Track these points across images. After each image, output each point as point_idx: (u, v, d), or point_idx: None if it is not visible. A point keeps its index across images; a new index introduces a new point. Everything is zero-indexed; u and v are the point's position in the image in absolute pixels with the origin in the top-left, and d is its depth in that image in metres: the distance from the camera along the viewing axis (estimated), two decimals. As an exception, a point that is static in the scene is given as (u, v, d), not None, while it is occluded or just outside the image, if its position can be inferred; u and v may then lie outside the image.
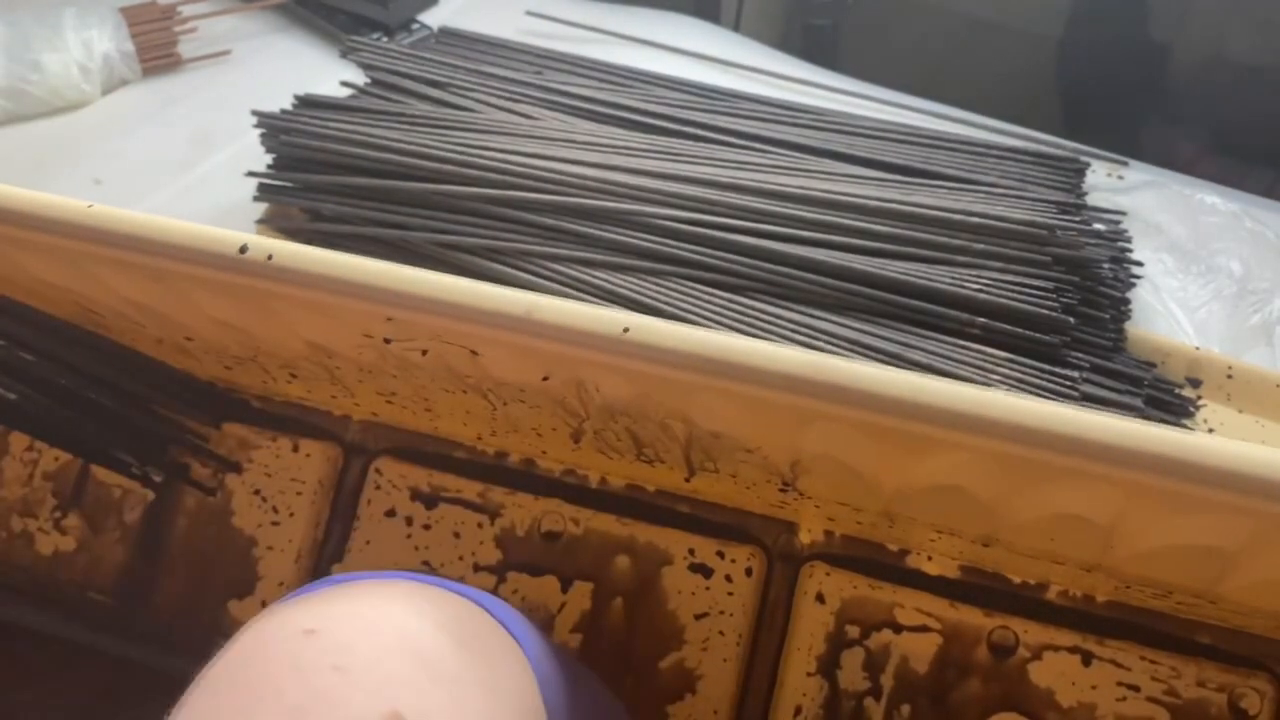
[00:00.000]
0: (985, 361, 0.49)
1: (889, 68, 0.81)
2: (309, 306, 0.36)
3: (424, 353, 0.37)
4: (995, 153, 0.64)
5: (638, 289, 0.53)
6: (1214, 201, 0.67)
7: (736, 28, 0.93)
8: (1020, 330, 0.50)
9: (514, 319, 0.33)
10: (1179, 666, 0.40)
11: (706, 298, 0.53)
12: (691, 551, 0.44)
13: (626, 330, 0.33)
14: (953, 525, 0.39)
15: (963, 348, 0.50)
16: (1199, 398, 0.53)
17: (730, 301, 0.53)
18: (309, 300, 0.35)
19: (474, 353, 0.36)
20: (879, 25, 0.97)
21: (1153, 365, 0.54)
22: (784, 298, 0.53)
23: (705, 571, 0.43)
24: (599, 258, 0.55)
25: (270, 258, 0.35)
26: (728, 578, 0.43)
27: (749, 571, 0.43)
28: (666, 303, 0.52)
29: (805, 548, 0.43)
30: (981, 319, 0.50)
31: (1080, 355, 0.51)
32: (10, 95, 0.70)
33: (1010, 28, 0.92)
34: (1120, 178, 0.69)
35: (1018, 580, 0.42)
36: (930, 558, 0.42)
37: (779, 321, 0.51)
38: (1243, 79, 0.85)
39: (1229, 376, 0.54)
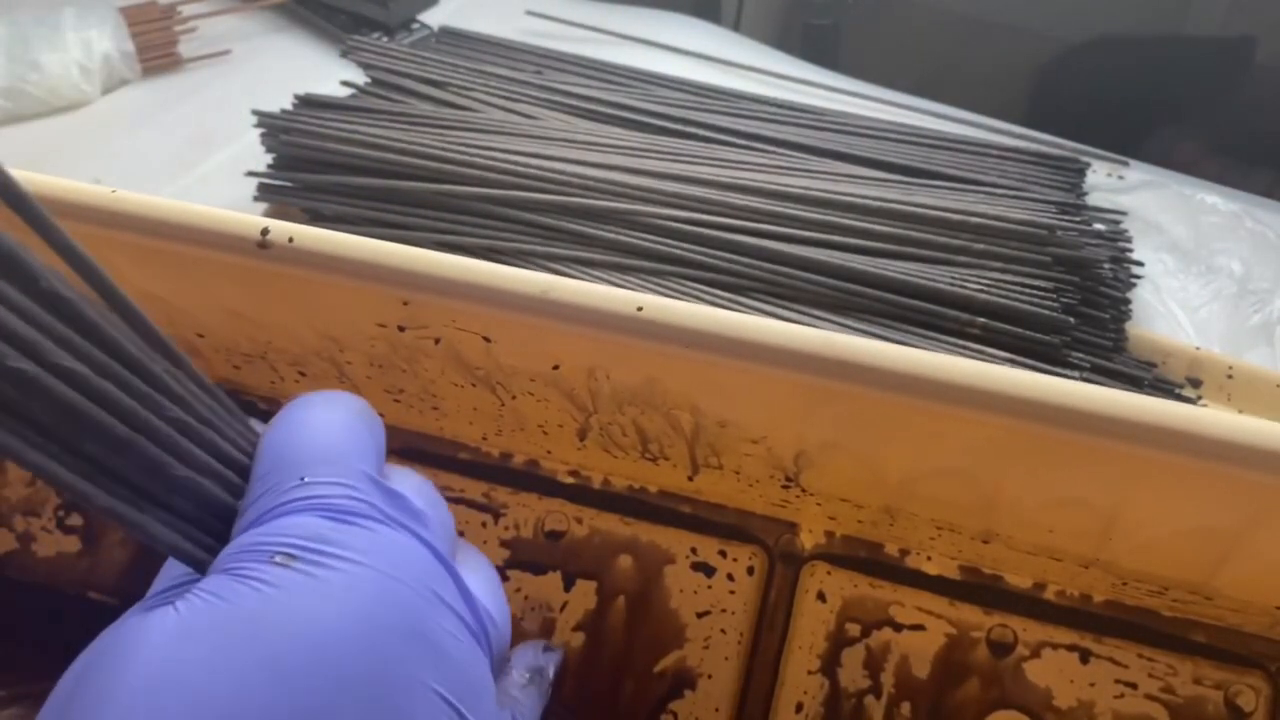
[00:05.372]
0: (986, 361, 0.49)
1: (889, 68, 0.81)
2: (327, 290, 0.36)
3: (436, 341, 0.37)
4: (995, 153, 0.64)
5: (638, 289, 0.53)
6: (1214, 201, 0.67)
7: (736, 27, 0.93)
8: (1020, 330, 0.50)
9: (530, 299, 0.33)
10: (1176, 664, 0.40)
11: (706, 298, 0.53)
12: (694, 550, 0.44)
13: (640, 309, 0.33)
14: (953, 520, 0.39)
15: (963, 348, 0.50)
16: (1199, 398, 0.53)
17: (730, 301, 0.53)
18: (327, 284, 0.36)
19: (487, 339, 0.36)
20: (879, 25, 0.97)
21: (1153, 365, 0.54)
22: (784, 298, 0.53)
23: (707, 570, 0.43)
24: (599, 258, 0.55)
25: (291, 240, 0.35)
26: (730, 576, 0.43)
27: (751, 570, 0.43)
28: (667, 303, 0.52)
29: (807, 548, 0.43)
30: (982, 319, 0.50)
31: (1081, 355, 0.51)
32: (9, 95, 0.70)
33: (1010, 27, 0.92)
34: (1120, 178, 0.69)
35: (1016, 580, 0.42)
36: (930, 558, 0.42)
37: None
38: (1243, 79, 0.85)
39: (1229, 376, 0.54)
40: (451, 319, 0.36)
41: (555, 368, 0.37)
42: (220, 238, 0.36)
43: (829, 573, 0.43)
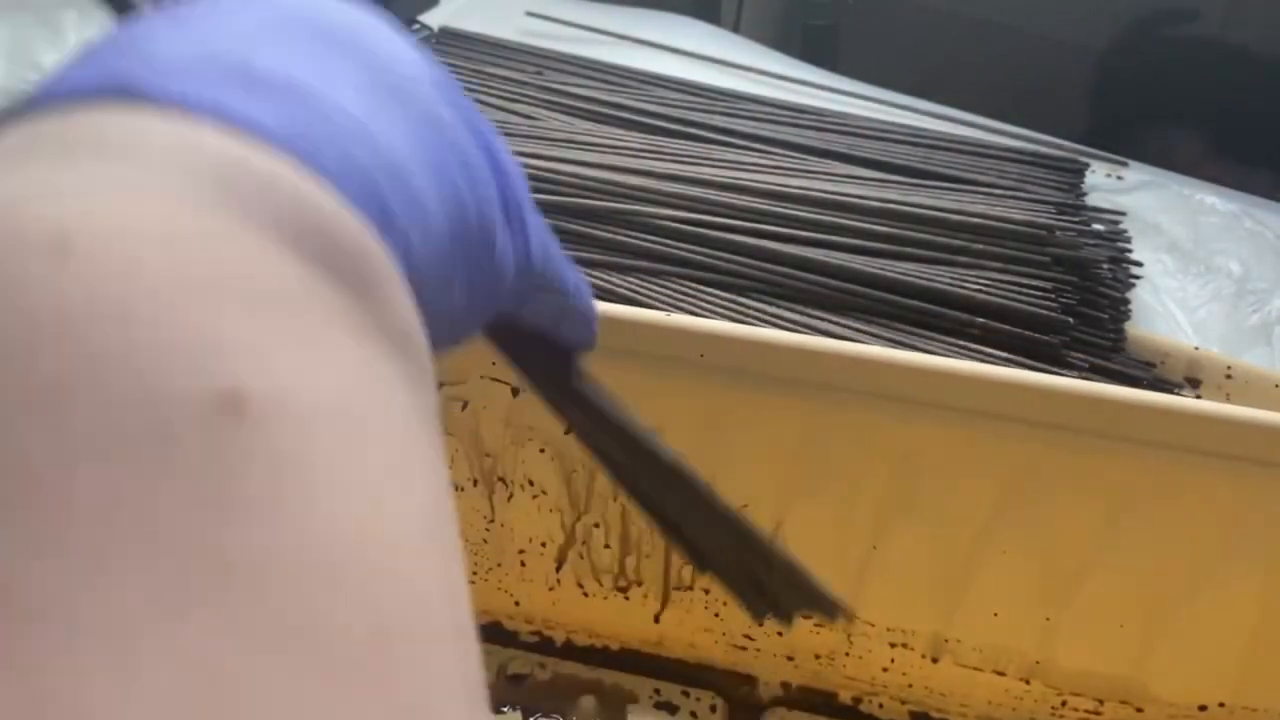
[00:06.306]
0: (985, 361, 0.49)
1: (889, 68, 0.81)
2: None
3: (464, 406, 0.39)
4: (995, 153, 0.64)
5: (638, 289, 0.53)
6: (1213, 202, 0.67)
7: (736, 28, 0.93)
8: (1019, 330, 0.50)
9: None
10: None
11: (706, 298, 0.53)
12: (657, 692, 0.45)
13: (670, 313, 0.35)
14: (908, 623, 0.41)
15: (962, 348, 0.50)
16: (1198, 398, 0.53)
17: (730, 301, 0.53)
18: None
19: (515, 392, 0.38)
20: (879, 25, 0.97)
21: (1152, 365, 0.54)
22: (784, 298, 0.53)
23: (670, 709, 0.45)
24: (599, 258, 0.55)
25: None
26: (693, 714, 0.45)
27: (713, 709, 0.45)
28: (667, 302, 0.52)
29: (764, 699, 0.45)
30: (981, 319, 0.51)
31: (1079, 355, 0.51)
32: (9, 96, 0.70)
33: (1010, 27, 0.92)
34: (1120, 178, 0.69)
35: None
36: (881, 704, 0.44)
37: (779, 322, 0.51)
38: (1244, 79, 0.85)
39: (1228, 377, 0.54)
40: (490, 364, 0.37)
41: (567, 431, 0.38)
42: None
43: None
